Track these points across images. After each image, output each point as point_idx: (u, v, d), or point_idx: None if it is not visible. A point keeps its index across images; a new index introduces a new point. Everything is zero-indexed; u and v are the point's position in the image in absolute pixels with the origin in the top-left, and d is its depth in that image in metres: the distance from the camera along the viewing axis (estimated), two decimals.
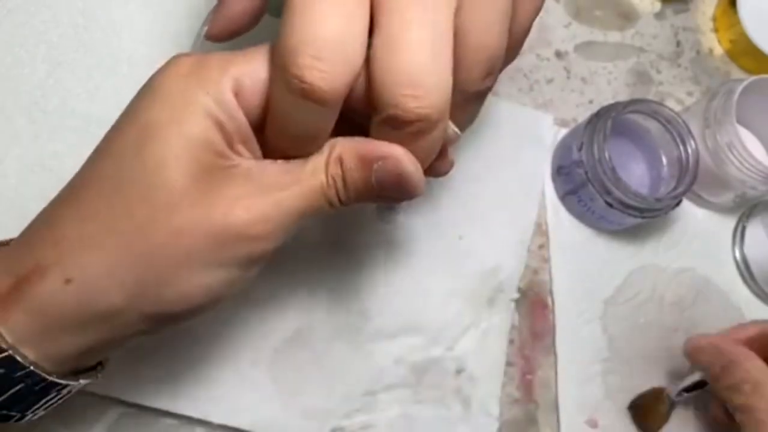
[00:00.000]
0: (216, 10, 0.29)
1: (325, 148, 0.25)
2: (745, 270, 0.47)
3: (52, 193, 0.27)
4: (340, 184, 0.25)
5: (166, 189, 0.24)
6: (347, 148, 0.25)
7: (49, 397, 0.26)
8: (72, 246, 0.25)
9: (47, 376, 0.25)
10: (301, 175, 0.25)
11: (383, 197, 0.26)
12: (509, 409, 0.42)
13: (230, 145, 0.25)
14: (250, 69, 0.25)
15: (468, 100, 0.27)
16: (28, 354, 0.25)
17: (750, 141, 0.48)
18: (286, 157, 0.26)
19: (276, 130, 0.25)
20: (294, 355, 0.39)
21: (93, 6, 0.41)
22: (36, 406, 0.26)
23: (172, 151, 0.24)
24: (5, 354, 0.24)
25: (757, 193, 0.44)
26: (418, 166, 0.25)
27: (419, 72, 0.22)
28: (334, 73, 0.22)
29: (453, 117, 0.26)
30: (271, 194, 0.25)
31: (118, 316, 0.25)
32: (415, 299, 0.41)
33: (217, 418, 0.37)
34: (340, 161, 0.25)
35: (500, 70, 0.27)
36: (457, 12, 0.24)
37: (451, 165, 0.30)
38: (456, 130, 0.27)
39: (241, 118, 0.25)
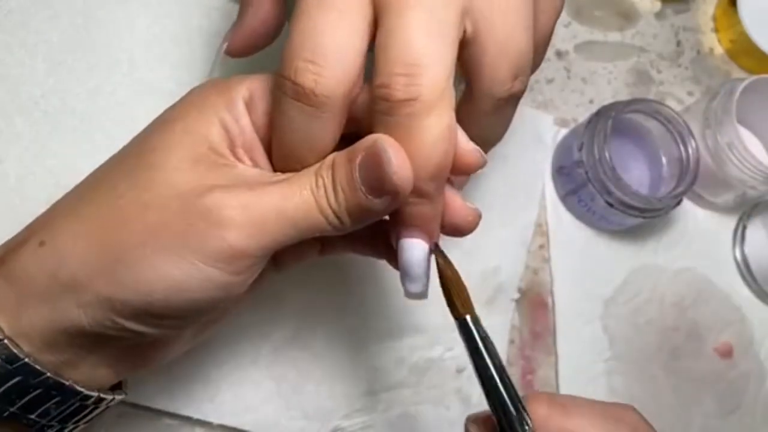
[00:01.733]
0: (235, 27, 0.30)
1: (323, 160, 0.26)
2: (745, 270, 0.47)
3: (52, 193, 0.27)
4: (329, 187, 0.24)
5: (151, 168, 0.25)
6: (341, 153, 0.25)
7: (35, 393, 0.25)
8: (56, 215, 0.26)
9: (19, 354, 0.24)
10: (292, 177, 0.25)
11: (371, 196, 0.24)
12: None
13: (232, 148, 0.26)
14: (261, 81, 0.27)
15: (498, 107, 0.27)
16: (4, 326, 0.24)
17: (750, 141, 0.48)
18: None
19: (277, 138, 0.26)
20: (294, 355, 0.39)
21: (93, 6, 0.41)
22: (22, 402, 0.25)
23: (169, 138, 0.26)
24: None
25: (758, 193, 0.44)
26: (401, 151, 0.23)
27: (411, 52, 0.23)
28: (328, 77, 0.23)
29: (483, 125, 0.26)
30: (254, 188, 0.24)
31: (78, 291, 0.24)
32: None
33: (216, 418, 0.37)
34: (333, 166, 0.25)
35: (530, 74, 0.27)
36: (474, 12, 0.24)
37: (477, 215, 0.28)
38: (479, 149, 0.26)
39: (247, 122, 0.26)
